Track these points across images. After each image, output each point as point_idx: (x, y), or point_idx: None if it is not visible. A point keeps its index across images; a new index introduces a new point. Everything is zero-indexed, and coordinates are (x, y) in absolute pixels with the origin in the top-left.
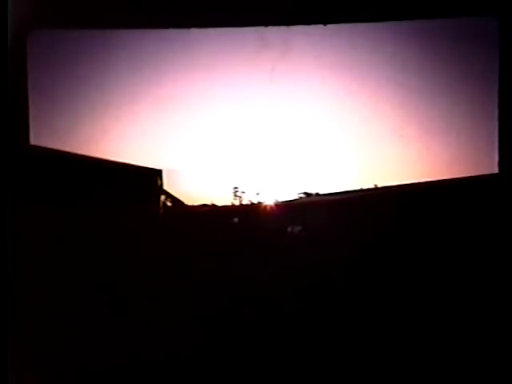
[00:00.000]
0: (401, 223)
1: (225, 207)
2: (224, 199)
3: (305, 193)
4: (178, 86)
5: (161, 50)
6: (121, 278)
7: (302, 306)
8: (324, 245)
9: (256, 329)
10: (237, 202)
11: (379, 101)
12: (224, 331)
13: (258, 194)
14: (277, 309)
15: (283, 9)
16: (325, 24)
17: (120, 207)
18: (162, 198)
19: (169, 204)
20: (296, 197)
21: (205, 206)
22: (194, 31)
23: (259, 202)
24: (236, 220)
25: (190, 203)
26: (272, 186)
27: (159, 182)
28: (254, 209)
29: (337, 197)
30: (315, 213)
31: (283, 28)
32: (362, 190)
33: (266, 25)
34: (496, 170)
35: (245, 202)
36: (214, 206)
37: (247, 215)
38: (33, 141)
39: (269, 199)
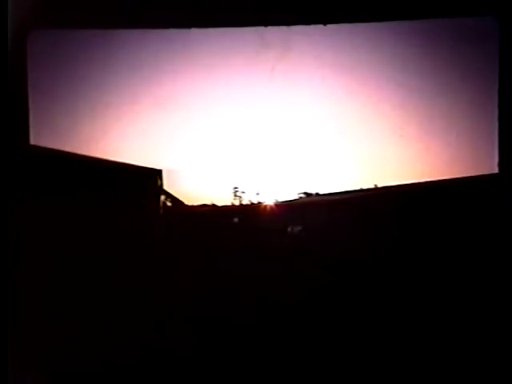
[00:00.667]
0: (401, 223)
1: (225, 207)
2: (224, 199)
3: (305, 193)
4: (177, 86)
5: (161, 50)
6: (121, 277)
7: (302, 306)
8: (324, 245)
9: (256, 328)
10: (237, 202)
11: (379, 101)
12: (224, 331)
13: (257, 194)
14: (277, 309)
15: (283, 9)
16: (325, 24)
17: (120, 207)
18: (162, 198)
19: (169, 204)
20: (296, 197)
21: (205, 205)
22: (194, 31)
23: (259, 202)
24: (236, 220)
25: (190, 203)
26: (272, 185)
27: (159, 182)
28: (254, 209)
29: (337, 197)
30: (315, 213)
31: (283, 28)
32: (362, 190)
33: (266, 25)
34: (496, 170)
35: (245, 202)
36: (214, 205)
37: (247, 215)
38: (33, 141)
39: (269, 199)
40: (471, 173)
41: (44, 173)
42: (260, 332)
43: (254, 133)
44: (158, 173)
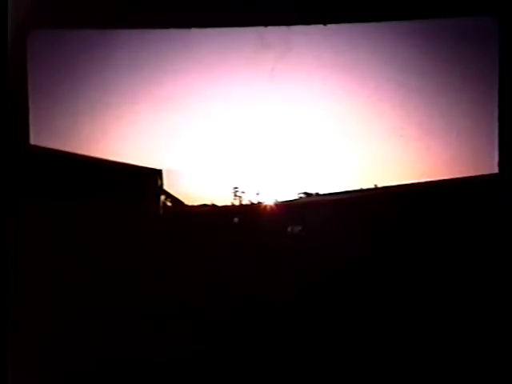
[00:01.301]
0: (401, 223)
1: (225, 207)
2: (224, 199)
3: (305, 193)
4: (177, 85)
5: (161, 50)
6: (121, 277)
7: (302, 306)
8: (324, 245)
9: (256, 328)
10: (237, 202)
11: (379, 101)
12: (224, 331)
13: (257, 194)
14: (277, 308)
15: (283, 9)
16: (325, 24)
17: (120, 207)
18: (162, 198)
19: (169, 204)
20: (296, 197)
21: (205, 205)
22: (194, 31)
23: (259, 202)
24: (236, 220)
25: (190, 203)
26: (272, 185)
27: (159, 182)
28: (254, 209)
29: (337, 197)
30: (315, 213)
31: (283, 28)
32: (361, 190)
33: (266, 25)
34: (496, 170)
35: (245, 202)
36: (214, 205)
37: (247, 215)
38: (33, 141)
39: (269, 199)
40: (471, 173)
41: (44, 173)
42: (260, 332)
43: (253, 133)
44: (158, 173)
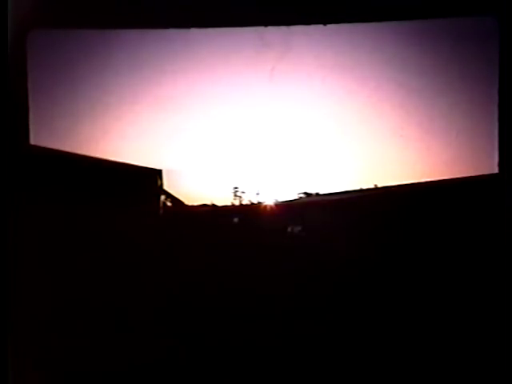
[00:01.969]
0: (401, 223)
1: (225, 207)
2: (224, 199)
3: (305, 193)
4: (177, 85)
5: (161, 50)
6: (121, 277)
7: (302, 306)
8: (324, 245)
9: (256, 328)
10: (237, 202)
11: (379, 101)
12: (224, 331)
13: (257, 194)
14: (277, 308)
15: (283, 9)
16: (325, 24)
17: (120, 207)
18: (162, 198)
19: (169, 204)
20: (296, 197)
21: (205, 205)
22: (194, 31)
23: (259, 202)
24: (236, 220)
25: (190, 203)
26: (272, 185)
27: (159, 182)
28: (254, 209)
29: (337, 197)
30: (315, 213)
31: (283, 28)
32: (361, 190)
33: (266, 25)
34: (496, 170)
35: (245, 202)
36: (214, 205)
37: (247, 215)
38: (33, 141)
39: (269, 199)
40: (471, 173)
41: (44, 173)
42: (260, 332)
43: (253, 133)
44: (158, 173)
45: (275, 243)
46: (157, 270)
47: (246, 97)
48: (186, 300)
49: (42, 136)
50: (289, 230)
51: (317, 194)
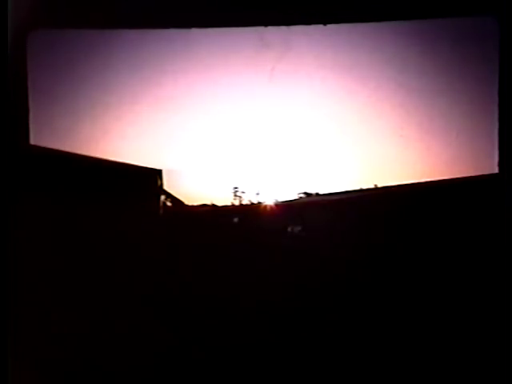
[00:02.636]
0: (401, 223)
1: (225, 207)
2: (224, 199)
3: (305, 193)
4: (178, 85)
5: (161, 50)
6: (121, 277)
7: (302, 306)
8: (324, 245)
9: (256, 329)
10: (237, 202)
11: (379, 101)
12: (224, 331)
13: (257, 194)
14: (277, 308)
15: (283, 9)
16: (325, 24)
17: (120, 207)
18: (162, 198)
19: (169, 204)
20: (296, 197)
21: (205, 205)
22: (194, 31)
23: (259, 202)
24: (236, 220)
25: (190, 203)
26: (272, 185)
27: (159, 182)
28: (254, 209)
29: (337, 197)
30: (315, 213)
31: (283, 28)
32: (361, 190)
33: (266, 25)
34: (496, 170)
35: (245, 202)
36: (214, 206)
37: (247, 215)
38: (33, 141)
39: (269, 199)
40: (471, 173)
41: (44, 173)
42: (260, 332)
43: (253, 133)
44: (158, 173)
45: (275, 243)
46: (157, 270)
47: (246, 97)
48: (186, 300)
49: (42, 136)
50: (289, 230)
51: (317, 194)
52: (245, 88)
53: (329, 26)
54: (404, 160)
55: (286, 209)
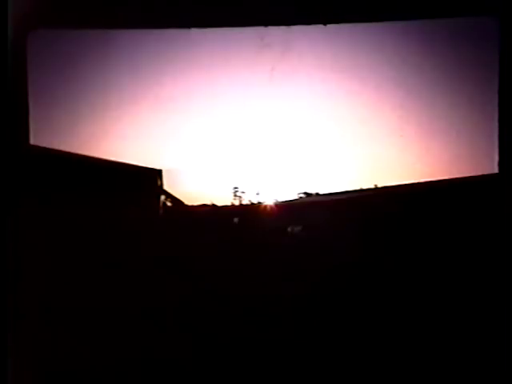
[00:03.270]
0: (401, 223)
1: (225, 207)
2: (224, 199)
3: (305, 193)
4: (178, 85)
5: (161, 50)
6: (121, 277)
7: (302, 306)
8: (324, 245)
9: (256, 329)
10: (237, 202)
11: (379, 101)
12: (224, 331)
13: (257, 194)
14: (277, 309)
15: (283, 9)
16: (325, 24)
17: (120, 207)
18: (162, 198)
19: (169, 204)
20: (296, 197)
21: (205, 205)
22: (194, 31)
23: (259, 202)
24: (236, 220)
25: (190, 203)
26: (272, 185)
27: (159, 182)
28: (254, 209)
29: (337, 197)
30: (315, 213)
31: (283, 28)
32: (362, 190)
33: (266, 25)
34: (496, 170)
35: (245, 202)
36: (214, 206)
37: (247, 215)
38: (33, 141)
39: (269, 199)
40: (471, 173)
41: (44, 173)
42: (260, 332)
43: (253, 133)
44: (158, 173)
45: (275, 243)
46: (157, 269)
47: (246, 97)
48: (186, 300)
49: (42, 136)
50: (289, 230)
51: (317, 194)
52: (245, 88)
53: (329, 26)
54: (404, 160)
55: (286, 209)
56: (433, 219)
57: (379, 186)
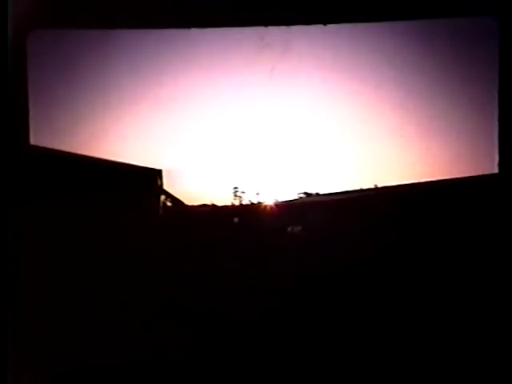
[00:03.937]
0: (401, 223)
1: (225, 207)
2: (224, 199)
3: (305, 193)
4: (178, 85)
5: (161, 50)
6: (121, 277)
7: (302, 306)
8: (324, 245)
9: (256, 329)
10: (237, 202)
11: (379, 101)
12: (224, 331)
13: (257, 194)
14: (277, 308)
15: (283, 9)
16: (325, 24)
17: (120, 207)
18: (162, 198)
19: (169, 204)
20: (296, 197)
21: (205, 205)
22: (194, 31)
23: (259, 202)
24: (236, 220)
25: (190, 203)
26: (272, 185)
27: (159, 182)
28: (254, 209)
29: (337, 197)
30: (315, 213)
31: (283, 28)
32: (361, 190)
33: (266, 25)
34: (496, 170)
35: (245, 202)
36: (214, 206)
37: (247, 215)
38: (33, 141)
39: (269, 199)
40: (471, 173)
41: (44, 173)
42: (260, 332)
43: (253, 133)
44: (158, 173)
45: (275, 243)
46: (157, 270)
47: (246, 97)
48: (186, 300)
49: (42, 136)
50: (289, 230)
51: (317, 194)
52: (245, 88)
53: (329, 26)
54: (404, 160)
55: (286, 209)
56: (433, 219)
57: (379, 185)
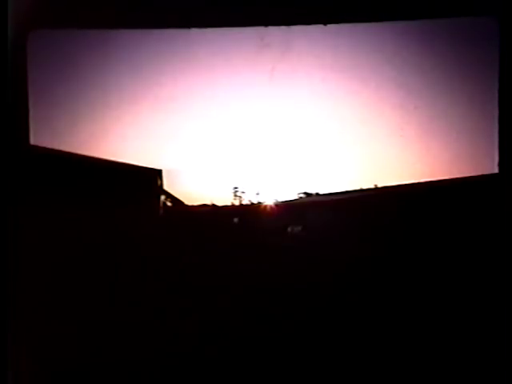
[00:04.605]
0: (401, 223)
1: (225, 207)
2: (224, 199)
3: (305, 193)
4: (178, 85)
5: (161, 50)
6: (121, 277)
7: (302, 306)
8: (324, 245)
9: (256, 328)
10: (237, 202)
11: (379, 101)
12: (224, 331)
13: (257, 194)
14: (277, 308)
15: (283, 9)
16: (325, 24)
17: (120, 207)
18: (162, 198)
19: (169, 204)
20: (296, 197)
21: (205, 205)
22: (194, 31)
23: (259, 202)
24: (236, 220)
25: (190, 203)
26: (272, 185)
27: (159, 182)
28: (254, 209)
29: (337, 197)
30: (315, 213)
31: (283, 28)
32: (362, 190)
33: (266, 25)
34: (496, 170)
35: (245, 202)
36: (214, 206)
37: (247, 215)
38: (33, 141)
39: (269, 199)
40: (471, 173)
41: (44, 173)
42: (260, 332)
43: (254, 133)
44: (158, 173)
45: (275, 243)
46: (157, 269)
47: (246, 97)
48: (186, 300)
49: (42, 136)
50: (289, 230)
51: (317, 194)
52: (245, 88)
53: (329, 26)
54: (404, 160)
55: (286, 209)
56: (433, 219)
57: (379, 185)
